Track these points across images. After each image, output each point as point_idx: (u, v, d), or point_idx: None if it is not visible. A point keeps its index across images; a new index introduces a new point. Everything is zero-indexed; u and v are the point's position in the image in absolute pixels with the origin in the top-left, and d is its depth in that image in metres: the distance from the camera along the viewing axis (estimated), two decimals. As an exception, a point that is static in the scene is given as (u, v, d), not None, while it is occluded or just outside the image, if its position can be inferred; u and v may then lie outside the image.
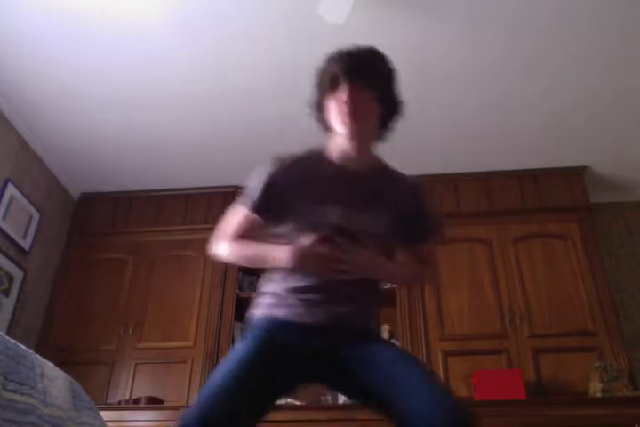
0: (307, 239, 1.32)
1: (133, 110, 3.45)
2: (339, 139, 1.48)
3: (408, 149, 3.70)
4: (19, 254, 3.50)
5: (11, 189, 3.43)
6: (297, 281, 1.41)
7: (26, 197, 3.59)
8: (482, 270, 3.56)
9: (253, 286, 3.76)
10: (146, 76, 3.21)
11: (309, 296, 1.39)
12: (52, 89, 3.30)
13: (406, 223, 1.49)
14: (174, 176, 4.01)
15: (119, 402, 3.29)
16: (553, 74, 3.17)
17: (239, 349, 1.33)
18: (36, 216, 3.68)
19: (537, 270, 3.53)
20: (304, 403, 3.21)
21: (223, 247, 1.49)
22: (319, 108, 1.49)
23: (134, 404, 3.20)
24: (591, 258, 3.52)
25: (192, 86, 3.26)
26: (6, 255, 3.36)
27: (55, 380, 1.15)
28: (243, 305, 3.61)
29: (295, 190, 1.43)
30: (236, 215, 1.50)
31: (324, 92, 1.46)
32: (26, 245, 3.56)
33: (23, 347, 1.08)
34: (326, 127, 1.50)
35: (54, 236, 3.92)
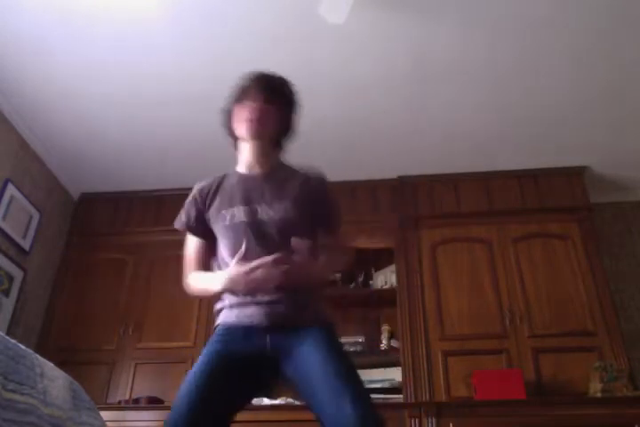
0: (232, 264, 1.48)
1: (133, 110, 3.45)
2: (242, 147, 1.71)
3: (408, 149, 3.71)
4: (19, 254, 3.50)
5: (11, 189, 3.44)
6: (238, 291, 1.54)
7: (26, 197, 3.59)
8: (482, 270, 3.56)
9: (253, 286, 3.76)
10: (146, 75, 3.20)
11: (248, 299, 1.52)
12: (52, 89, 3.30)
13: (309, 209, 1.62)
14: (174, 176, 4.00)
15: (119, 402, 3.29)
16: (553, 73, 3.17)
17: (199, 361, 1.47)
18: (36, 216, 3.68)
19: (537, 270, 3.53)
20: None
21: (186, 286, 1.65)
22: (228, 117, 1.72)
23: (134, 404, 3.21)
24: (591, 258, 3.52)
25: (192, 86, 3.26)
26: (6, 255, 3.37)
27: (55, 380, 1.15)
28: (243, 305, 3.62)
29: (210, 204, 1.67)
30: (187, 243, 1.71)
31: (234, 101, 1.70)
32: (26, 245, 3.56)
33: (23, 347, 1.08)
34: (232, 135, 1.73)
35: (54, 236, 3.92)
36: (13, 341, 1.05)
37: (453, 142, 3.68)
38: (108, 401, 3.35)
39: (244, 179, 1.68)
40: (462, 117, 3.48)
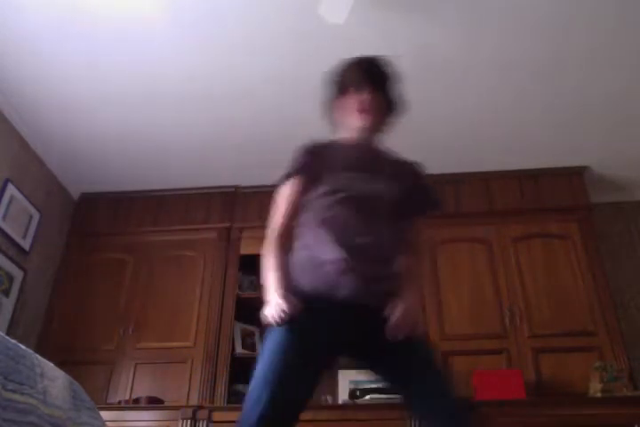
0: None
1: (133, 110, 3.45)
2: (350, 132, 1.77)
3: (408, 149, 3.70)
4: (19, 254, 3.50)
5: (11, 189, 3.43)
6: (334, 251, 1.54)
7: (26, 197, 3.59)
8: (482, 270, 3.56)
9: (253, 286, 3.76)
10: (146, 75, 3.20)
11: (350, 266, 1.51)
12: (52, 89, 3.30)
13: (407, 195, 1.74)
14: (174, 176, 4.01)
15: (119, 402, 3.29)
16: (553, 73, 3.17)
17: (283, 337, 1.46)
18: (36, 216, 3.68)
19: (537, 270, 3.53)
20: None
21: (267, 252, 1.62)
22: (330, 107, 1.82)
23: (134, 404, 3.20)
24: (591, 258, 3.52)
25: (193, 86, 3.26)
26: (6, 255, 3.36)
27: (55, 380, 1.15)
28: (243, 305, 3.62)
29: (325, 163, 1.70)
30: (285, 193, 1.70)
31: (339, 92, 1.77)
32: (26, 245, 3.56)
33: (23, 347, 1.08)
34: (335, 121, 1.81)
35: (54, 236, 3.92)
36: (13, 341, 1.05)
37: (454, 142, 3.68)
38: (108, 401, 3.35)
39: (358, 151, 1.75)
40: (462, 117, 3.48)
